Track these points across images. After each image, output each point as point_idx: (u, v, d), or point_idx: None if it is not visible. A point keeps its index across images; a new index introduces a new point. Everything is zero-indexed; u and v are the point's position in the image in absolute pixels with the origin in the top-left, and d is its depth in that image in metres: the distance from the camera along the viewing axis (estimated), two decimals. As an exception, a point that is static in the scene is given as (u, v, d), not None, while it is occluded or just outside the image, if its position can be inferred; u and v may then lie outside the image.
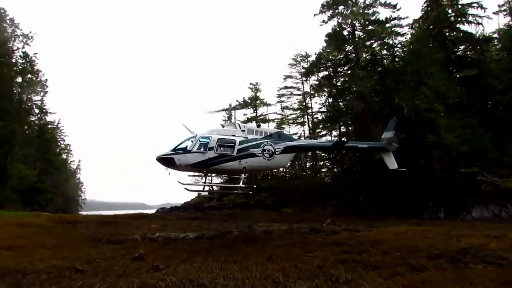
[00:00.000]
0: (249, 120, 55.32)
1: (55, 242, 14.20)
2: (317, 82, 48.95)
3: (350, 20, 40.61)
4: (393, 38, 39.33)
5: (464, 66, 32.80)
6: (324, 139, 45.60)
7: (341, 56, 43.16)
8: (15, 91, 51.40)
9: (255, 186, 21.96)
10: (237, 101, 56.73)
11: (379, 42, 39.70)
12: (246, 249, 12.97)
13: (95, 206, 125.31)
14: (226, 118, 43.92)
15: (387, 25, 39.09)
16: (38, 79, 55.55)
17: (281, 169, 50.80)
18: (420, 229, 17.92)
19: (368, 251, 12.01)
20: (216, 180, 45.80)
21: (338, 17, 41.34)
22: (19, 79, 52.60)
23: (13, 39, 50.88)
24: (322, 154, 42.72)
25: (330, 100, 46.06)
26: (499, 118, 29.05)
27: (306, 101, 53.22)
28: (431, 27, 35.87)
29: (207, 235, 17.54)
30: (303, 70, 52.11)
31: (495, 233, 14.82)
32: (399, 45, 39.29)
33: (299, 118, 53.55)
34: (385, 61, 39.38)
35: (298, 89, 54.17)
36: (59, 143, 70.37)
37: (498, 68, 30.30)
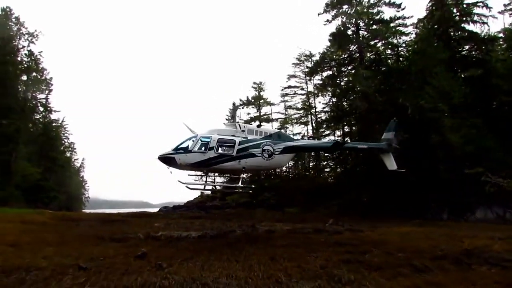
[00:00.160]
0: (252, 119, 55.30)
1: (59, 240, 14.25)
2: (321, 82, 48.64)
3: (354, 20, 40.48)
4: (398, 37, 39.19)
5: (469, 66, 32.62)
6: (327, 139, 45.61)
7: (345, 56, 43.01)
8: (20, 89, 51.78)
9: (253, 186, 22.16)
10: (240, 100, 56.77)
11: (383, 41, 39.53)
12: (249, 248, 12.94)
13: (98, 204, 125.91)
14: (230, 117, 43.91)
15: (392, 24, 38.95)
16: (43, 77, 55.89)
17: (284, 168, 51.03)
18: (424, 230, 17.85)
19: (371, 251, 11.96)
20: (219, 179, 45.94)
21: (342, 16, 41.22)
22: (24, 77, 53.03)
23: (18, 37, 51.26)
24: (326, 154, 42.56)
25: (334, 99, 45.80)
26: (504, 118, 28.84)
27: (310, 101, 53.04)
28: (436, 26, 35.71)
29: (210, 234, 17.53)
30: (307, 70, 51.98)
31: (499, 234, 14.70)
32: (404, 45, 39.20)
33: (303, 118, 53.42)
34: (389, 60, 39.24)
35: (302, 89, 54.04)
36: (63, 141, 70.69)
37: (503, 68, 30.04)
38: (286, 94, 54.98)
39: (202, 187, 18.86)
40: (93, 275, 8.75)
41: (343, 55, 43.19)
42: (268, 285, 8.03)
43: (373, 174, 31.69)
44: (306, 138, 48.89)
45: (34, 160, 52.59)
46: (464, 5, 34.69)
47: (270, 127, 51.38)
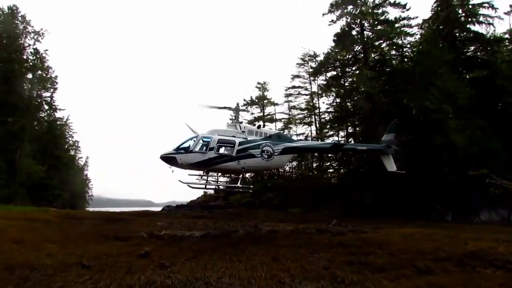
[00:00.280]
0: (256, 119, 55.31)
1: (62, 238, 14.30)
2: (325, 82, 48.55)
3: (359, 20, 40.41)
4: (402, 38, 39.08)
5: (474, 67, 32.53)
6: (331, 139, 45.59)
7: (350, 56, 42.87)
8: (25, 87, 51.88)
9: (251, 186, 22.38)
10: (244, 100, 56.83)
11: (388, 42, 39.40)
12: (252, 248, 12.94)
13: (102, 203, 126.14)
14: (234, 117, 43.94)
15: (397, 25, 38.86)
16: (48, 76, 56.03)
17: (287, 169, 51.12)
18: (427, 231, 17.71)
19: (375, 252, 11.90)
20: (222, 179, 46.02)
21: (347, 16, 41.13)
22: (30, 76, 53.11)
23: (24, 35, 51.35)
24: (329, 155, 42.48)
25: (338, 100, 45.63)
26: (509, 120, 28.70)
27: (314, 101, 52.86)
28: (441, 27, 35.59)
29: (212, 234, 17.56)
30: (311, 70, 51.91)
31: (504, 237, 14.59)
32: (408, 46, 39.10)
33: (306, 118, 53.23)
34: (394, 61, 39.11)
35: (306, 89, 53.82)
36: (67, 140, 70.80)
37: (509, 69, 29.97)
38: (290, 94, 54.82)
39: (203, 186, 19.05)
40: (97, 273, 8.79)
41: (347, 56, 43.07)
42: (271, 285, 8.03)
43: (377, 175, 31.58)
44: (310, 138, 48.95)
45: (39, 158, 52.78)
46: (470, 6, 34.54)
47: (270, 128, 51.58)
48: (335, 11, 41.58)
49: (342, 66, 43.67)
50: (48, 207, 34.71)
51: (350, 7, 40.73)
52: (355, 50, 42.01)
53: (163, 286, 7.81)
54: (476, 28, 34.25)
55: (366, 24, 40.62)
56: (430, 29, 36.66)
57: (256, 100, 56.54)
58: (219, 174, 20.84)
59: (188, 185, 17.44)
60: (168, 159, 16.81)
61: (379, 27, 39.65)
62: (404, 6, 38.92)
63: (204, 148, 16.93)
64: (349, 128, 45.59)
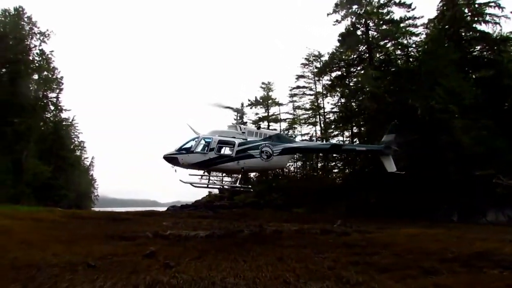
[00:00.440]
0: (261, 119, 55.34)
1: (68, 238, 14.36)
2: (329, 82, 48.45)
3: (364, 20, 40.30)
4: (408, 38, 38.90)
5: (480, 66, 32.31)
6: (335, 139, 45.52)
7: (354, 56, 42.81)
8: (31, 88, 52.27)
9: (250, 186, 22.65)
10: (249, 100, 56.88)
11: (393, 42, 39.26)
12: (257, 248, 12.93)
13: (107, 203, 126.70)
14: (239, 117, 44.04)
15: (402, 24, 38.71)
16: (54, 77, 56.43)
17: (292, 169, 51.20)
18: (433, 232, 17.62)
19: (380, 253, 11.87)
20: (228, 178, 46.04)
21: (352, 16, 41.07)
22: (36, 76, 53.51)
23: (30, 37, 51.75)
24: (334, 155, 42.36)
25: (343, 100, 45.44)
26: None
27: (319, 101, 52.82)
28: (447, 27, 35.40)
29: (217, 233, 17.61)
30: (315, 70, 51.79)
31: (511, 237, 14.48)
32: (414, 45, 38.90)
33: (311, 118, 53.17)
34: (399, 61, 38.95)
35: (311, 89, 53.77)
36: (73, 140, 71.39)
37: (515, 69, 29.69)
38: (295, 95, 54.80)
39: (204, 185, 19.31)
40: (102, 273, 8.80)
41: (352, 56, 42.99)
42: (276, 286, 8.00)
43: (382, 175, 31.43)
44: (314, 138, 48.92)
45: (45, 159, 53.11)
46: (476, 5, 34.33)
47: (274, 129, 51.78)
48: (339, 11, 41.59)
49: (347, 66, 43.57)
50: (54, 207, 34.97)
51: (355, 7, 40.72)
52: (360, 50, 41.94)
53: (168, 286, 7.82)
54: (482, 27, 34.13)
55: (371, 24, 40.53)
56: (435, 28, 36.44)
57: (261, 100, 56.54)
58: (224, 174, 21.02)
59: (192, 185, 17.91)
60: (170, 159, 17.32)
61: (384, 26, 39.52)
62: (409, 6, 38.80)
63: (205, 149, 17.44)
64: (354, 128, 45.50)
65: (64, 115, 63.93)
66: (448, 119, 28.06)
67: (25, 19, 50.98)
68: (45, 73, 54.57)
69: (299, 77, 53.81)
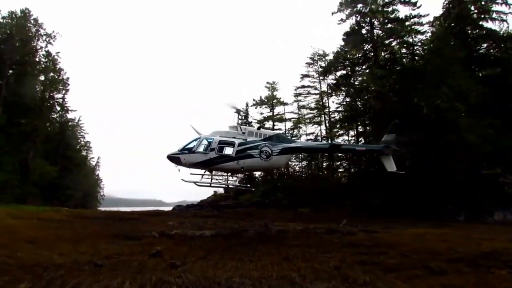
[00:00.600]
0: (265, 119, 55.32)
1: (75, 237, 14.45)
2: (334, 81, 48.13)
3: (368, 18, 40.08)
4: (413, 36, 38.57)
5: (486, 64, 31.97)
6: (341, 139, 45.35)
7: (359, 55, 42.58)
8: (38, 89, 52.82)
9: (249, 185, 22.82)
10: (253, 100, 56.83)
11: (398, 40, 38.94)
12: (262, 248, 12.94)
13: (113, 202, 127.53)
14: (243, 117, 44.06)
15: (407, 23, 38.43)
16: (60, 78, 57.00)
17: (297, 168, 51.18)
18: (439, 231, 17.50)
19: (386, 253, 11.79)
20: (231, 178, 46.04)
21: (357, 15, 40.86)
22: (42, 78, 54.15)
23: (36, 38, 52.33)
24: (339, 154, 42.19)
25: (348, 99, 45.19)
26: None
27: (323, 101, 52.43)
28: (453, 24, 35.12)
29: (223, 233, 17.65)
30: (320, 69, 51.61)
31: (519, 237, 14.33)
32: (419, 44, 38.50)
33: (316, 118, 52.90)
34: (404, 60, 38.68)
35: (315, 88, 53.52)
36: (79, 140, 71.85)
37: (523, 67, 29.40)
38: (300, 94, 54.56)
39: (207, 184, 19.54)
40: (109, 272, 8.85)
41: (357, 55, 42.78)
42: (282, 285, 8.00)
43: (387, 175, 31.27)
44: (319, 138, 48.82)
45: (51, 159, 53.50)
46: (482, 2, 34.04)
47: (279, 129, 51.63)
48: (344, 10, 41.41)
49: (351, 65, 43.34)
50: (60, 206, 35.21)
51: (359, 5, 40.45)
52: (365, 48, 41.73)
53: (174, 286, 7.85)
54: (489, 25, 33.87)
55: (376, 23, 40.29)
56: (441, 26, 36.13)
57: (266, 100, 56.50)
58: (229, 173, 21.35)
59: (195, 184, 18.58)
60: (173, 159, 18.00)
61: (389, 25, 39.27)
62: (414, 4, 38.50)
63: (206, 149, 18.05)
64: (359, 127, 45.18)
65: (70, 115, 64.72)
66: (454, 118, 27.83)
67: (31, 21, 51.56)
68: (51, 74, 55.16)
69: (304, 76, 53.65)
